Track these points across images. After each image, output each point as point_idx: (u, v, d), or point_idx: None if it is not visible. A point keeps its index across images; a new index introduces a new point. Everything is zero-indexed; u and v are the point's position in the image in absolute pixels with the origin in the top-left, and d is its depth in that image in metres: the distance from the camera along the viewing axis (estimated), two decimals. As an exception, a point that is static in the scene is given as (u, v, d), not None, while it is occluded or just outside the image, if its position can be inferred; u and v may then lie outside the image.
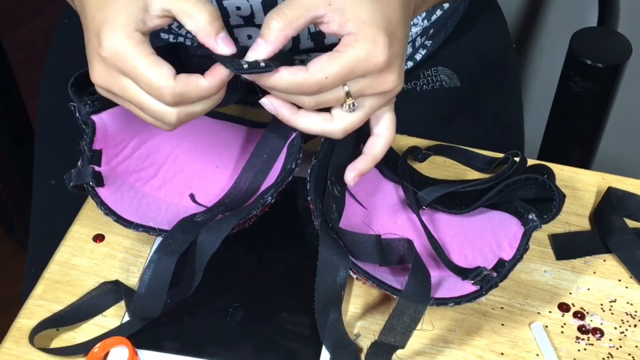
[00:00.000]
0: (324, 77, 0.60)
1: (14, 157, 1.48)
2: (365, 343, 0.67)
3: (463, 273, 0.66)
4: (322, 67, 0.60)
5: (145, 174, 0.73)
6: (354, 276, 0.66)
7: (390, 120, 0.66)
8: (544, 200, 0.69)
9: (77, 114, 0.70)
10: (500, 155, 0.79)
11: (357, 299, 0.70)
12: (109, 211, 0.67)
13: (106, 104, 0.71)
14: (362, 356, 0.66)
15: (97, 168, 0.69)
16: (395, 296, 0.64)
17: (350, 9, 0.61)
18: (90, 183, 0.68)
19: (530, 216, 0.67)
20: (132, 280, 0.71)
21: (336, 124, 0.64)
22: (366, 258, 0.65)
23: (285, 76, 0.61)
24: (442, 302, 0.63)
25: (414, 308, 0.61)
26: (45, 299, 0.70)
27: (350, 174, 0.66)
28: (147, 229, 0.67)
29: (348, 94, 0.62)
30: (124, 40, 0.60)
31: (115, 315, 0.68)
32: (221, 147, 0.76)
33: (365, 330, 0.68)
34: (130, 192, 0.71)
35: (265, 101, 0.64)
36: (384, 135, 0.66)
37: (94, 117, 0.70)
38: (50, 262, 0.72)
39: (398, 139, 0.81)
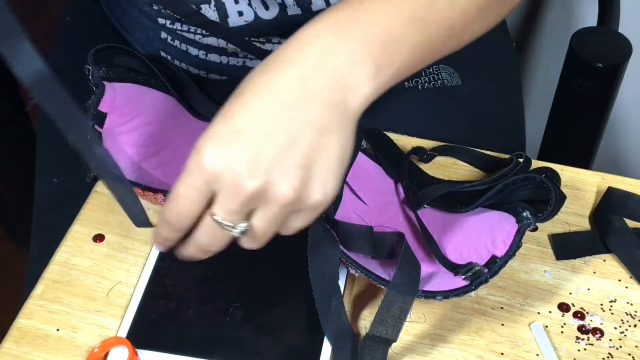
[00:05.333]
0: (171, 201, 0.57)
1: (14, 157, 1.48)
2: (365, 343, 0.67)
3: (455, 268, 0.66)
4: (171, 195, 0.58)
5: (144, 151, 0.73)
6: (352, 271, 0.66)
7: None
8: (544, 202, 0.69)
9: (90, 77, 0.72)
10: (506, 156, 0.79)
11: (357, 298, 0.70)
12: None
13: (120, 76, 0.73)
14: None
15: (98, 128, 0.69)
16: (384, 287, 0.64)
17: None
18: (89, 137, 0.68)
19: (524, 214, 0.68)
20: (132, 280, 0.71)
21: (242, 243, 0.59)
22: (358, 249, 0.65)
23: (158, 224, 0.59)
24: (431, 294, 0.64)
25: (402, 299, 0.62)
26: (45, 299, 0.70)
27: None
28: (132, 184, 0.67)
29: (219, 218, 0.56)
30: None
31: (115, 315, 0.68)
32: None
33: (365, 330, 0.68)
34: (127, 161, 0.71)
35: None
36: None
37: (105, 83, 0.72)
38: (50, 262, 0.72)
39: (399, 138, 0.81)
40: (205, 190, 0.56)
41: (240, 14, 0.85)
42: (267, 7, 0.85)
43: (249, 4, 0.85)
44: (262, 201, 0.56)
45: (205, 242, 0.58)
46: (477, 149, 0.80)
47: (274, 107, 0.55)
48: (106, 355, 0.65)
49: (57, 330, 0.68)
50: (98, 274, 0.71)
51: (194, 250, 0.60)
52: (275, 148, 0.55)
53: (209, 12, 0.85)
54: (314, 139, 0.55)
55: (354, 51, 0.57)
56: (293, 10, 0.85)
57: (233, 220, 0.56)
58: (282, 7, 0.85)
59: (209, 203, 0.57)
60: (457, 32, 0.64)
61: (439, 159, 0.81)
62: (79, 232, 0.74)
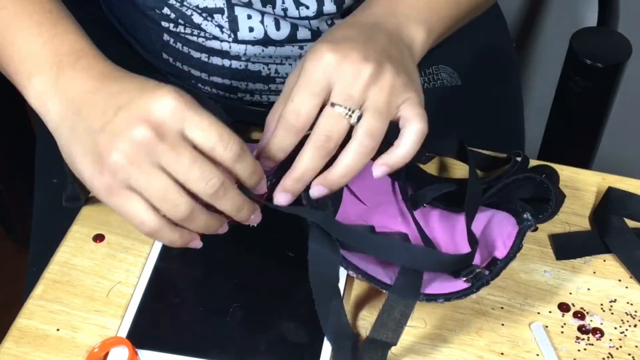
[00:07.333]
0: (291, 100, 0.63)
1: (14, 157, 1.48)
2: (365, 343, 0.67)
3: (456, 270, 0.66)
4: (288, 99, 0.63)
5: None
6: (350, 273, 0.66)
7: (415, 111, 0.66)
8: (543, 200, 0.69)
9: None
10: (503, 155, 0.79)
11: (357, 298, 0.70)
12: None
13: None
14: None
15: None
16: (385, 291, 0.64)
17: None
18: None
19: (525, 215, 0.68)
20: (132, 280, 0.71)
21: (359, 137, 0.63)
22: (359, 249, 0.65)
23: (274, 135, 0.64)
24: (432, 297, 0.64)
25: (403, 303, 0.62)
26: (45, 299, 0.70)
27: (379, 169, 0.65)
28: None
29: (337, 105, 0.63)
30: (182, 97, 0.59)
31: (115, 315, 0.68)
32: None
33: (365, 330, 0.68)
34: None
35: (314, 191, 0.65)
36: (410, 127, 0.65)
37: None
38: (50, 262, 0.72)
39: (398, 139, 0.81)
40: (324, 82, 0.63)
41: (251, 29, 0.86)
42: (278, 28, 0.85)
43: (261, 22, 0.85)
44: (375, 83, 0.63)
45: (326, 129, 0.63)
46: (475, 149, 0.80)
47: (362, 30, 0.66)
48: (106, 355, 0.65)
49: (57, 330, 0.68)
50: (98, 274, 0.71)
51: (314, 142, 0.64)
52: (376, 50, 0.64)
53: (221, 21, 0.85)
54: (395, 49, 0.66)
55: (408, 14, 0.69)
56: (303, 33, 0.86)
57: (351, 106, 0.63)
58: (294, 28, 0.85)
59: (324, 105, 0.63)
60: (475, 9, 0.77)
61: (436, 158, 0.80)
62: (79, 232, 0.74)
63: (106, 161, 0.60)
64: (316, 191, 0.65)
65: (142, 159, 0.59)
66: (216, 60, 0.89)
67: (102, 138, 0.60)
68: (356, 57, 0.63)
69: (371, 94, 0.63)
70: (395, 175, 0.76)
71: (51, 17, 0.65)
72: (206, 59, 0.89)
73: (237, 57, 0.88)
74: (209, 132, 0.59)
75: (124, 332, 0.67)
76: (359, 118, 0.63)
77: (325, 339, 0.65)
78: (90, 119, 0.61)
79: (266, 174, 0.65)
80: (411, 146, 0.64)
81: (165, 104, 0.59)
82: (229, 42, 0.87)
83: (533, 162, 0.77)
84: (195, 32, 0.88)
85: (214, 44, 0.88)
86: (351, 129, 0.64)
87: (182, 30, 0.88)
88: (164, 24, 0.89)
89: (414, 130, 0.64)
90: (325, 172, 0.64)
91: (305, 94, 0.63)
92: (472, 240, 0.67)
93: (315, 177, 0.65)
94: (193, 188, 0.60)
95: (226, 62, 0.88)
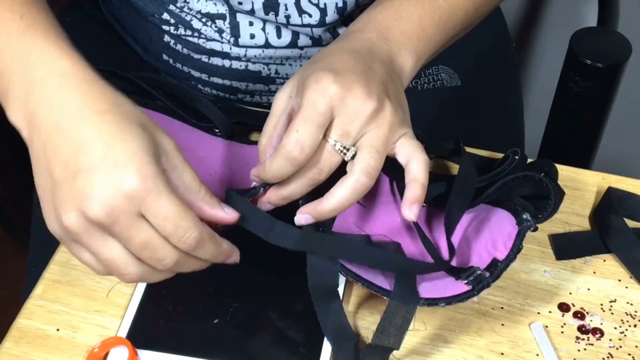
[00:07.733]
0: (296, 131, 0.61)
1: (14, 157, 1.48)
2: (367, 341, 0.67)
3: (456, 273, 0.66)
4: (291, 128, 0.62)
5: None
6: (345, 278, 0.66)
7: (414, 143, 0.66)
8: (543, 197, 0.69)
9: None
10: (499, 155, 0.79)
11: (357, 298, 0.70)
12: None
13: None
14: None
15: None
16: (385, 297, 0.64)
17: (302, 81, 0.63)
18: None
19: (524, 216, 0.67)
20: (132, 280, 0.71)
21: (356, 174, 0.63)
22: (356, 260, 0.65)
23: (271, 162, 0.63)
24: (433, 302, 0.63)
25: (404, 309, 0.62)
26: (45, 299, 0.70)
27: (412, 209, 0.65)
28: None
29: (334, 141, 0.63)
30: (145, 179, 0.56)
31: (115, 315, 0.68)
32: (215, 158, 0.76)
33: (365, 330, 0.68)
34: None
35: (301, 219, 0.65)
36: (416, 159, 0.65)
37: None
38: (50, 262, 0.72)
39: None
40: (328, 115, 0.62)
41: (252, 36, 0.86)
42: (279, 35, 0.86)
43: (263, 29, 0.85)
44: (374, 121, 0.63)
45: (320, 162, 0.63)
46: (473, 149, 0.80)
47: (359, 59, 0.65)
48: (106, 355, 0.65)
49: (57, 330, 0.68)
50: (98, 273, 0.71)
51: (306, 173, 0.64)
52: (377, 85, 0.64)
53: (223, 26, 0.86)
54: (391, 81, 0.66)
55: (400, 41, 0.69)
56: (304, 41, 0.86)
57: (347, 143, 0.63)
58: (295, 36, 0.85)
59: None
60: (463, 32, 0.77)
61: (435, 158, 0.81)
62: (79, 232, 0.74)
63: (61, 218, 0.57)
64: (302, 219, 0.65)
65: (92, 232, 0.57)
66: (216, 61, 0.89)
67: (60, 194, 0.57)
68: (359, 92, 0.62)
69: (369, 131, 0.63)
70: (393, 175, 0.76)
71: (20, 24, 0.61)
72: (206, 60, 0.89)
73: (237, 58, 0.88)
74: (164, 223, 0.57)
75: (124, 332, 0.67)
76: (354, 155, 0.63)
77: (325, 339, 0.66)
78: (52, 164, 0.58)
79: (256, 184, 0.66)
80: (424, 177, 0.65)
81: (125, 187, 0.55)
82: (229, 44, 0.87)
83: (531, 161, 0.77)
84: (196, 33, 0.88)
85: (215, 45, 0.88)
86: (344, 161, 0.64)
87: (183, 32, 0.88)
88: (164, 27, 0.89)
89: (420, 162, 0.65)
90: (316, 203, 0.64)
91: (311, 126, 0.62)
92: (451, 251, 0.67)
93: (304, 201, 0.66)
94: (147, 262, 0.59)
95: (226, 63, 0.89)
